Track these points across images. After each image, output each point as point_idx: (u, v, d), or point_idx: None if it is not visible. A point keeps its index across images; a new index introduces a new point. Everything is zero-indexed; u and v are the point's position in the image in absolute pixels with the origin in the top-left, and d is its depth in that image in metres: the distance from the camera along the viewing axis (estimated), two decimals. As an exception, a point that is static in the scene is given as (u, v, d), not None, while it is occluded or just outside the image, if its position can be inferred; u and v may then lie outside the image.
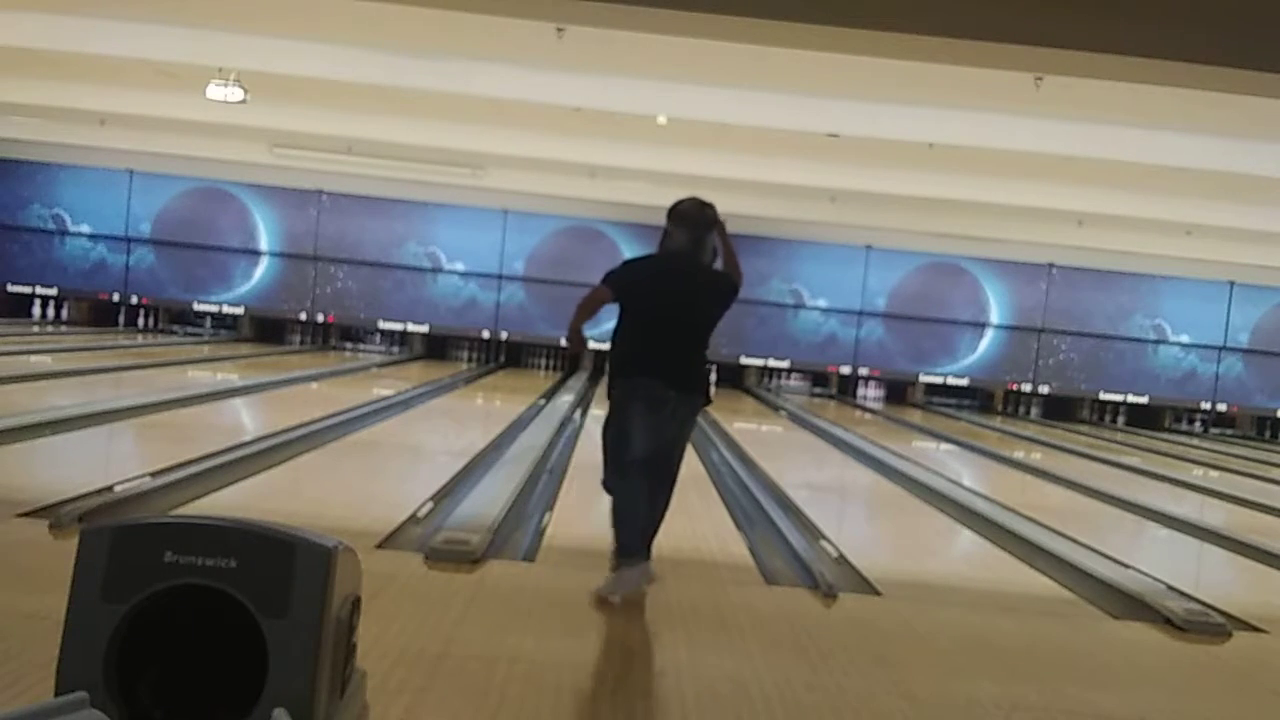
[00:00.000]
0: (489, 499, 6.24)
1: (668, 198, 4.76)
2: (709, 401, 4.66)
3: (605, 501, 7.51)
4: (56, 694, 1.32)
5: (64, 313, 18.27)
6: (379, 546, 5.05)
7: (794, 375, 19.07)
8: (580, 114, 12.13)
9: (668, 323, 4.57)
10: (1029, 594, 5.66)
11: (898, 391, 19.21)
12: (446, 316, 18.34)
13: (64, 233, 18.04)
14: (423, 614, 3.97)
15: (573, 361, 18.75)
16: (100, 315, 18.34)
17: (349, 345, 18.78)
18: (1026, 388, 19.02)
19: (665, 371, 4.49)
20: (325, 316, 18.29)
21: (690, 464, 9.04)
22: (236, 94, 11.82)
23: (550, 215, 18.06)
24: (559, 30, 8.53)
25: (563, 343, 4.93)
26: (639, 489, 4.47)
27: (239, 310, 18.28)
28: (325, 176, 17.21)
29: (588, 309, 4.70)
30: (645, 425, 4.44)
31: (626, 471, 4.49)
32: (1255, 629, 5.08)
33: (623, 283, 4.64)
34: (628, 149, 13.81)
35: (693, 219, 4.67)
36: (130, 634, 1.37)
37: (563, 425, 10.56)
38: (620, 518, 4.49)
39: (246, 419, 10.33)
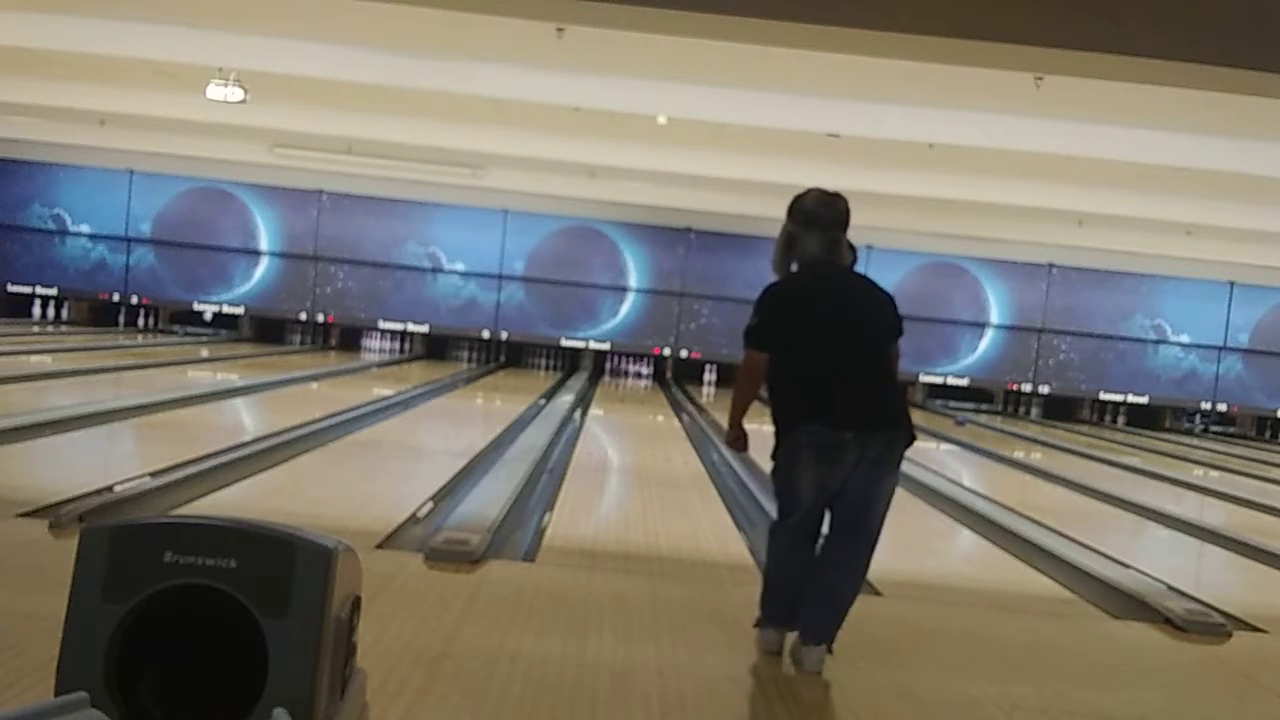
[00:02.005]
0: (489, 499, 6.24)
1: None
2: (912, 438, 3.79)
3: (604, 500, 7.56)
4: (56, 694, 1.32)
5: (64, 313, 18.28)
6: (379, 546, 5.05)
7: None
8: (580, 114, 12.13)
9: (828, 352, 3.73)
10: (1029, 594, 5.66)
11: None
12: (446, 316, 18.34)
13: (64, 233, 18.04)
14: (423, 614, 3.97)
15: (572, 364, 18.76)
16: (100, 315, 18.34)
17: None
18: (1026, 388, 19.02)
19: (833, 411, 3.67)
20: (325, 316, 18.30)
21: (690, 463, 9.09)
22: (236, 94, 11.82)
23: (550, 215, 18.07)
24: (559, 30, 8.54)
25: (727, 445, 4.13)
26: (794, 556, 3.84)
27: (239, 310, 18.28)
28: (325, 176, 17.22)
29: (750, 390, 3.88)
30: (814, 480, 3.71)
31: (784, 531, 3.87)
32: (1255, 629, 5.08)
33: (774, 331, 3.77)
34: (628, 149, 13.80)
35: (823, 218, 3.85)
36: (130, 634, 1.37)
37: (563, 425, 10.56)
38: (767, 580, 3.95)
39: (246, 419, 10.33)
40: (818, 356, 3.73)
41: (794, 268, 3.92)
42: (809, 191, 3.92)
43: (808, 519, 3.81)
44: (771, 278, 3.97)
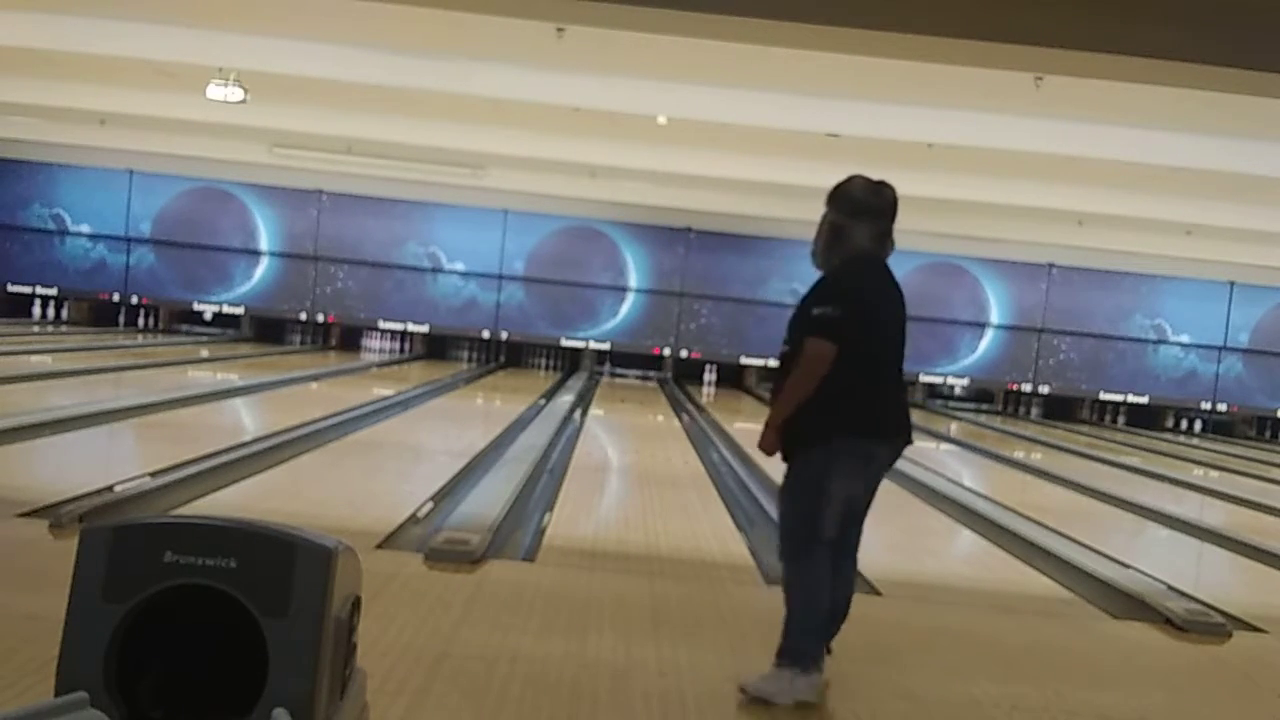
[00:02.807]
0: (489, 499, 6.24)
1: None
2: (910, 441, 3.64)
3: (604, 500, 7.55)
4: (56, 694, 1.32)
5: (64, 313, 18.28)
6: (379, 546, 5.06)
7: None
8: (580, 114, 12.13)
9: (879, 357, 3.50)
10: (1029, 594, 5.66)
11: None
12: (446, 316, 18.34)
13: (64, 233, 18.04)
14: (423, 614, 3.97)
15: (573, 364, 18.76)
16: (100, 315, 18.34)
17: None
18: (1026, 388, 19.03)
19: (879, 422, 3.47)
20: (325, 316, 18.30)
21: (690, 463, 9.10)
22: (236, 94, 11.81)
23: (550, 215, 18.07)
24: (559, 30, 8.54)
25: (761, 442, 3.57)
26: (831, 579, 3.47)
27: (239, 310, 18.28)
28: (325, 176, 17.22)
29: (813, 388, 3.39)
30: (846, 496, 3.44)
31: (816, 552, 3.44)
32: (1255, 629, 5.08)
33: (855, 327, 3.41)
34: (628, 149, 13.80)
35: (874, 207, 3.53)
36: (130, 634, 1.37)
37: (563, 425, 10.56)
38: (804, 612, 3.43)
39: (246, 419, 10.33)
40: (875, 360, 3.47)
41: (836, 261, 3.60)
42: (854, 179, 3.60)
43: (838, 535, 3.50)
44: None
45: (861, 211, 3.52)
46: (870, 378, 3.46)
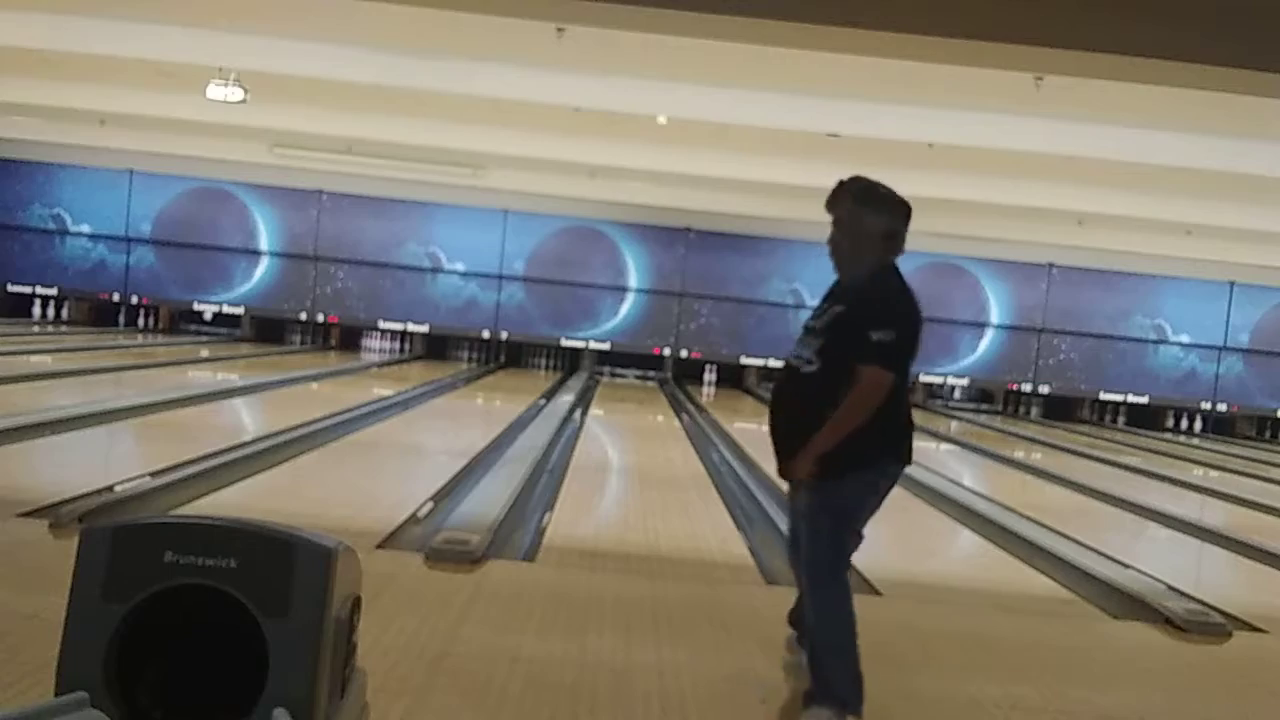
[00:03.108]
0: (489, 499, 6.24)
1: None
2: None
3: (604, 500, 7.55)
4: (56, 694, 1.32)
5: (64, 313, 18.28)
6: (379, 546, 5.06)
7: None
8: (580, 114, 12.13)
9: (906, 378, 3.31)
10: (1029, 594, 5.66)
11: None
12: (446, 316, 18.35)
13: (64, 233, 18.04)
14: (423, 614, 3.97)
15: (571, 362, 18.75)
16: (100, 315, 18.34)
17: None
18: (1027, 388, 19.03)
19: (906, 445, 3.35)
20: (325, 316, 18.30)
21: (690, 463, 9.09)
22: (236, 94, 11.82)
23: (550, 215, 18.07)
24: (559, 30, 8.54)
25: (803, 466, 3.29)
26: (852, 603, 3.33)
27: (239, 310, 18.28)
28: (325, 176, 17.22)
29: (867, 414, 3.16)
30: (865, 521, 3.37)
31: (843, 580, 3.32)
32: (1255, 629, 5.08)
33: (907, 351, 3.28)
34: (628, 149, 13.81)
35: (906, 210, 3.34)
36: (130, 634, 1.37)
37: (563, 425, 10.56)
38: (840, 649, 3.27)
39: (246, 419, 10.33)
40: (904, 379, 3.28)
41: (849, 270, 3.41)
42: (868, 181, 3.35)
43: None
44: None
45: (900, 215, 3.31)
46: (904, 400, 3.33)
